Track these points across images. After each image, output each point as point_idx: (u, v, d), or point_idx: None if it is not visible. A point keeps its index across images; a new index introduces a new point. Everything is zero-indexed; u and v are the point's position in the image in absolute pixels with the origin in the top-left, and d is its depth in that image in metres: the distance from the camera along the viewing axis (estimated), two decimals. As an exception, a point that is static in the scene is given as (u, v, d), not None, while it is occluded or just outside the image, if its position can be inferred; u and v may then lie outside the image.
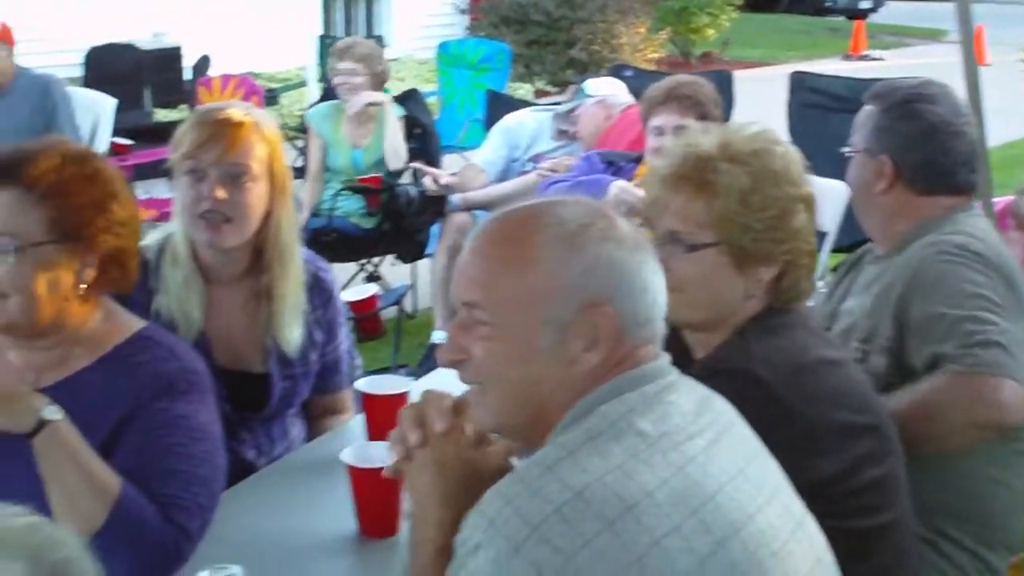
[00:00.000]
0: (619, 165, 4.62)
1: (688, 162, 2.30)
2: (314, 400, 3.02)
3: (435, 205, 5.80)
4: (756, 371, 2.17)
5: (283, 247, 2.80)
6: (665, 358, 1.80)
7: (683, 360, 1.97)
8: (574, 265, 1.72)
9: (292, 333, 2.83)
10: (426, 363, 5.43)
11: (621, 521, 1.58)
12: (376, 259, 6.47)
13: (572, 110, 5.68)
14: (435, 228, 5.90)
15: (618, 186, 4.33)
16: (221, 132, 2.72)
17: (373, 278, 6.34)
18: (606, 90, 5.75)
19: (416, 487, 1.89)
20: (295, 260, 2.83)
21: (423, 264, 6.28)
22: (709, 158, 2.28)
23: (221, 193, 2.70)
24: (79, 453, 2.21)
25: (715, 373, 2.04)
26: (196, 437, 2.33)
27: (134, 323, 2.44)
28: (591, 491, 1.60)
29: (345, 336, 3.05)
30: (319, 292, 2.91)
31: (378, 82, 6.13)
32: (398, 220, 5.90)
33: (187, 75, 10.49)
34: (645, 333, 1.77)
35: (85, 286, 2.30)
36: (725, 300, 2.29)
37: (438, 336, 5.71)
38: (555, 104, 6.14)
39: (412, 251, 6.20)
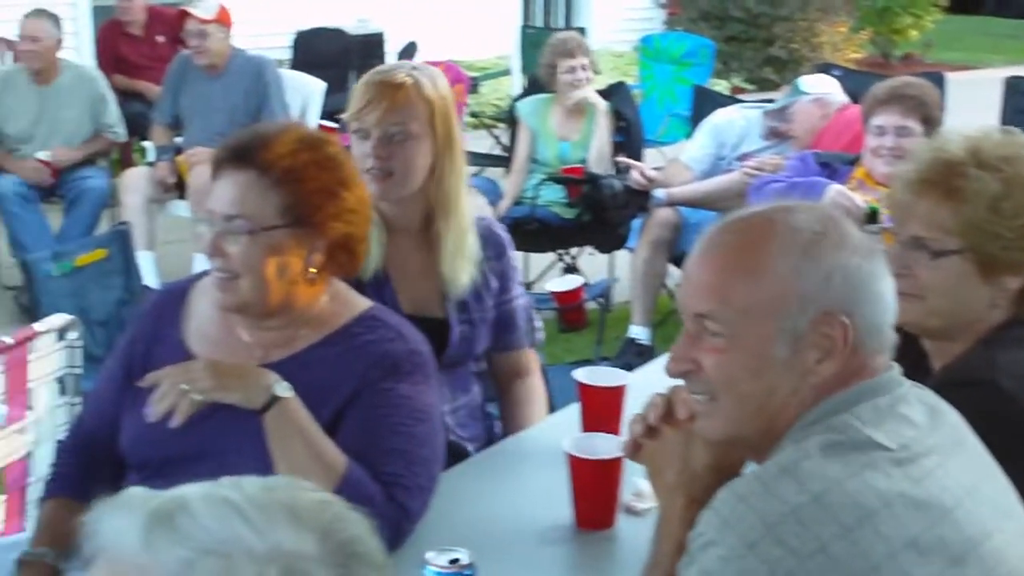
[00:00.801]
0: (834, 167, 4.53)
1: (935, 167, 2.25)
2: (496, 360, 3.10)
3: (638, 199, 5.78)
4: (1001, 383, 2.11)
5: (447, 197, 2.90)
6: (896, 368, 1.77)
7: (916, 368, 1.93)
8: (810, 274, 1.69)
9: (460, 277, 2.92)
10: (622, 357, 5.43)
11: (859, 529, 1.56)
12: (573, 250, 6.48)
13: (786, 107, 5.59)
14: (636, 222, 5.88)
15: (835, 190, 4.26)
16: (382, 94, 2.81)
17: (570, 269, 6.35)
18: (822, 88, 5.65)
19: (661, 479, 1.90)
20: (460, 209, 2.92)
21: (620, 257, 6.27)
22: (958, 163, 2.22)
23: (382, 151, 2.81)
24: (307, 430, 2.26)
25: (957, 384, 1.99)
26: (419, 418, 2.36)
27: (361, 303, 2.48)
28: (829, 496, 1.58)
29: (521, 294, 3.13)
30: (492, 244, 3.02)
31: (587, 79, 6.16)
32: (600, 212, 5.90)
33: (389, 61, 10.67)
34: (878, 343, 1.74)
35: (314, 271, 2.35)
36: (968, 309, 2.24)
37: (635, 331, 5.70)
38: (765, 102, 6.05)
39: (612, 243, 6.19)
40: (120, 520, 1.09)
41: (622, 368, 3.00)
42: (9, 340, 3.14)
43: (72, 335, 3.32)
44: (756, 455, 1.77)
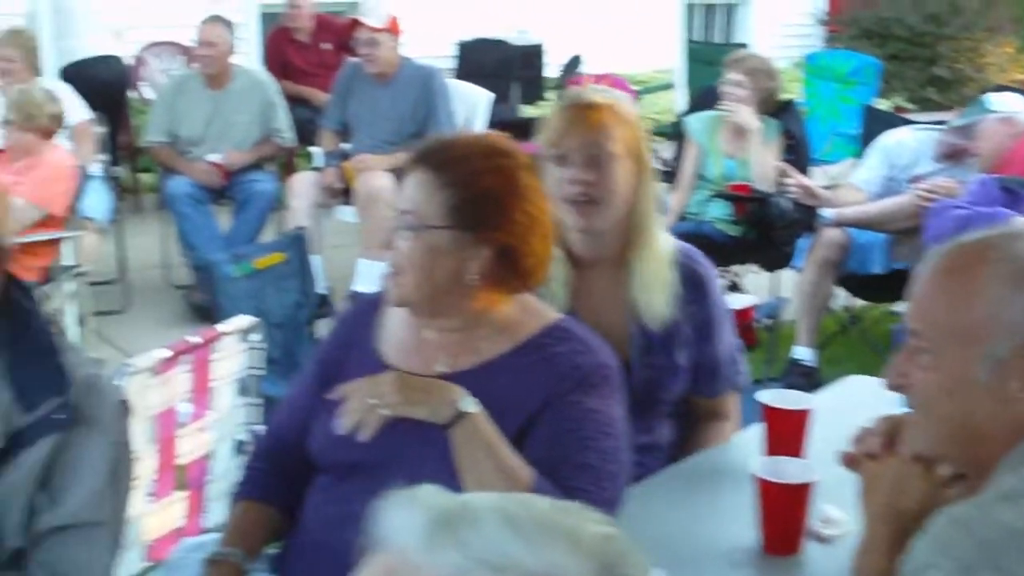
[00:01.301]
0: (1018, 193, 4.42)
1: None
2: (694, 401, 2.99)
3: (806, 218, 5.71)
4: None
5: (642, 223, 2.82)
6: None
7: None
8: (1017, 303, 1.69)
9: (656, 308, 2.82)
10: (787, 378, 5.36)
11: None
12: (736, 267, 6.41)
13: (970, 124, 5.41)
14: (803, 241, 5.80)
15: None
16: (581, 116, 2.77)
17: (733, 287, 6.29)
18: (1012, 106, 5.44)
19: (871, 504, 1.89)
20: (655, 236, 2.84)
21: (784, 276, 6.19)
22: None
23: (585, 176, 2.75)
24: (493, 444, 2.26)
25: None
26: (607, 432, 2.34)
27: (551, 315, 2.47)
28: (1049, 523, 1.55)
29: (727, 339, 2.99)
30: (693, 286, 2.88)
31: (762, 97, 6.07)
32: (767, 230, 5.83)
33: (547, 72, 10.69)
34: None
35: (474, 277, 2.34)
36: None
37: (800, 352, 5.62)
38: (938, 123, 5.92)
39: (777, 262, 6.12)
40: (406, 516, 1.12)
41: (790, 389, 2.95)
42: (196, 339, 3.21)
43: (255, 337, 3.38)
44: (972, 475, 1.77)
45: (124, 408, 2.36)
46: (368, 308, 2.52)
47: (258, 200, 6.77)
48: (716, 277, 2.99)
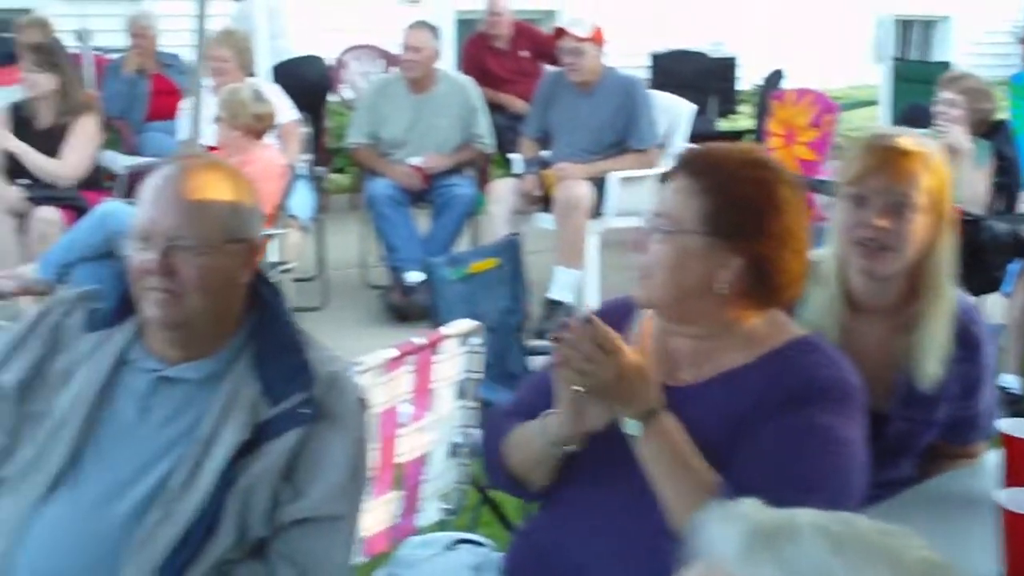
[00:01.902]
0: None
1: None
2: (943, 445, 2.87)
3: (1018, 242, 5.55)
4: None
5: (937, 277, 2.70)
6: None
7: None
8: None
9: (930, 367, 2.70)
10: (993, 405, 5.21)
11: None
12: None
13: None
14: (1013, 266, 5.64)
15: None
16: (890, 161, 2.65)
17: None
18: None
19: None
20: (948, 294, 2.71)
21: (992, 300, 6.03)
22: None
23: (882, 222, 2.64)
24: (681, 449, 2.24)
25: None
26: (834, 450, 2.28)
27: (799, 331, 2.43)
28: None
29: (989, 394, 2.86)
30: (965, 343, 2.75)
31: (977, 118, 5.93)
32: (977, 254, 5.68)
33: (740, 85, 10.61)
34: None
35: (722, 287, 2.31)
36: None
37: (1006, 380, 5.46)
38: None
39: (985, 287, 5.95)
40: (727, 527, 1.11)
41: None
42: (421, 341, 3.24)
43: (475, 340, 3.40)
44: None
45: (363, 405, 2.40)
46: (617, 313, 2.50)
47: (457, 204, 6.84)
48: (990, 336, 2.86)
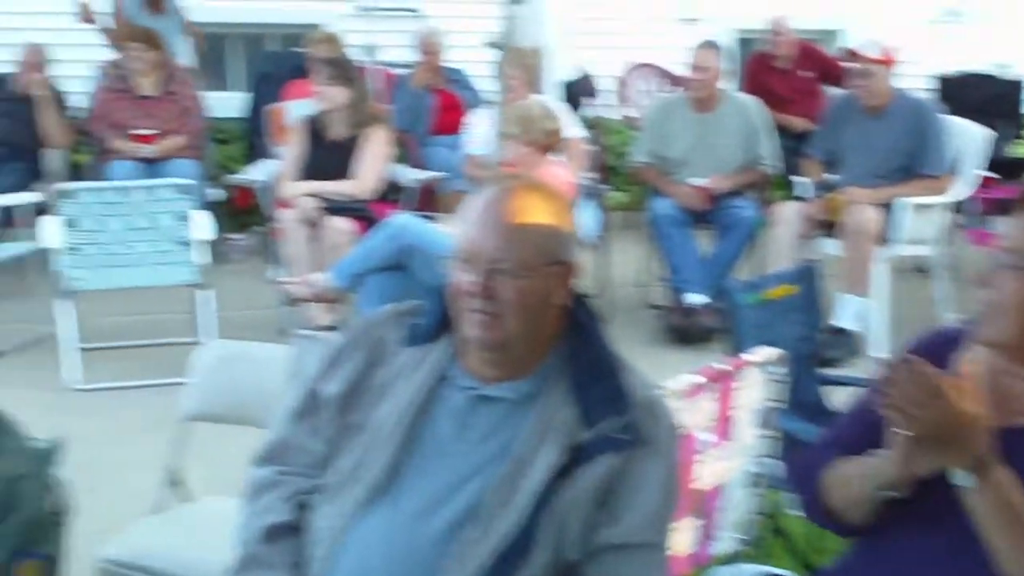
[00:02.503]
0: None
1: None
2: None
3: None
4: None
5: None
6: None
7: None
8: None
9: None
10: None
11: None
12: None
13: None
14: None
15: None
16: None
17: None
18: None
19: None
20: None
21: None
22: None
23: None
24: (1018, 505, 2.12)
25: None
26: None
27: None
28: None
29: None
30: None
31: None
32: None
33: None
34: None
35: None
36: None
37: None
38: None
39: None
40: None
41: None
42: (724, 367, 3.20)
43: (776, 368, 3.34)
44: None
45: (676, 431, 2.37)
46: (935, 349, 2.39)
47: (740, 227, 6.76)
48: None
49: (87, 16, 8.45)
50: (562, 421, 2.28)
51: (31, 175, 7.61)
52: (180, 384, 3.52)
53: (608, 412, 2.28)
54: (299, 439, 2.44)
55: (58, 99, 8.07)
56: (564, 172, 6.22)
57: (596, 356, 2.37)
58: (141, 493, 3.57)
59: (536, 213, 2.31)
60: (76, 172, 7.98)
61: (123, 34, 8.20)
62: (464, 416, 2.33)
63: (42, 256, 6.24)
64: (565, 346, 2.37)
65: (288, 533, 2.36)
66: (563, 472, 2.24)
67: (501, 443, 2.30)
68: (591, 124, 8.51)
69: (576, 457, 2.26)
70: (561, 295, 2.35)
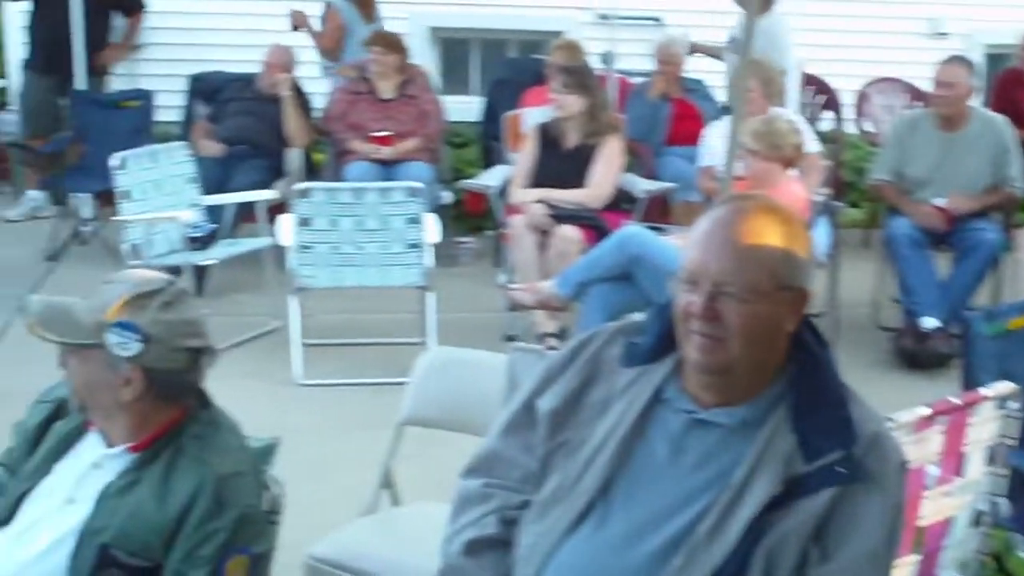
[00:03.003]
0: None
1: None
2: None
3: None
4: None
5: None
6: None
7: None
8: None
9: None
10: None
11: None
12: None
13: None
14: None
15: None
16: None
17: None
18: None
19: None
20: None
21: None
22: None
23: None
24: None
25: None
26: None
27: None
28: None
29: None
30: None
31: None
32: None
33: None
34: None
35: None
36: None
37: None
38: None
39: None
40: None
41: None
42: (956, 401, 3.07)
43: (1013, 404, 3.19)
44: None
45: (904, 468, 2.27)
46: None
47: (982, 250, 6.49)
48: None
49: (300, 22, 8.67)
50: (781, 451, 2.21)
51: (272, 173, 7.80)
52: (400, 384, 3.55)
53: (831, 444, 2.20)
54: (510, 453, 2.42)
55: (302, 100, 8.26)
56: (800, 188, 6.07)
57: (822, 385, 2.28)
58: (350, 491, 3.61)
59: (769, 235, 2.24)
60: (314, 171, 8.17)
61: (332, 40, 8.51)
62: (679, 440, 2.28)
63: (278, 252, 6.40)
64: (789, 373, 2.29)
65: (492, 548, 2.34)
66: (778, 504, 2.17)
67: (716, 470, 2.24)
68: (830, 139, 8.33)
69: (793, 489, 2.18)
70: (790, 322, 2.27)
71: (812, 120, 8.20)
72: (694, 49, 8.65)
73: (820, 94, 8.88)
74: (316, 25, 8.73)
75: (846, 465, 2.18)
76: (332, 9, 8.71)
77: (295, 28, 8.67)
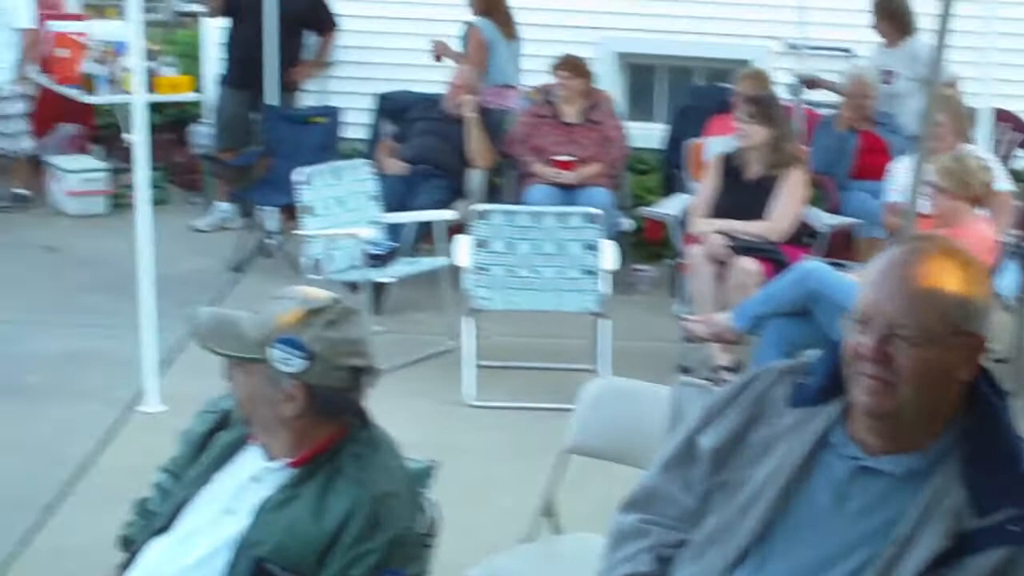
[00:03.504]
0: None
1: None
2: None
3: None
4: None
5: None
6: None
7: None
8: None
9: None
10: None
11: None
12: None
13: None
14: None
15: None
16: None
17: None
18: None
19: None
20: None
21: None
22: None
23: None
24: None
25: None
26: None
27: None
28: None
29: None
30: None
31: None
32: None
33: None
34: None
35: None
36: None
37: None
38: None
39: None
40: None
41: None
42: None
43: None
44: None
45: None
46: None
47: None
48: None
49: (442, 52, 8.71)
50: (951, 504, 2.13)
51: (453, 193, 7.85)
52: (569, 410, 3.52)
53: (1005, 501, 2.11)
54: (669, 489, 2.37)
55: (486, 121, 8.30)
56: (989, 228, 5.87)
57: (997, 438, 2.20)
58: (509, 515, 3.59)
59: (947, 278, 2.16)
60: (495, 193, 8.19)
61: (476, 59, 8.50)
62: (844, 487, 2.21)
63: (455, 272, 6.43)
64: (963, 423, 2.20)
65: None
66: (945, 560, 2.09)
67: (881, 521, 2.16)
68: (1022, 176, 8.05)
69: (962, 545, 2.09)
70: (965, 370, 2.19)
71: (1005, 158, 7.94)
72: (812, 84, 8.52)
73: (1016, 131, 8.59)
74: (457, 46, 8.77)
75: (1020, 524, 2.08)
76: (474, 28, 8.73)
77: (437, 59, 8.72)
